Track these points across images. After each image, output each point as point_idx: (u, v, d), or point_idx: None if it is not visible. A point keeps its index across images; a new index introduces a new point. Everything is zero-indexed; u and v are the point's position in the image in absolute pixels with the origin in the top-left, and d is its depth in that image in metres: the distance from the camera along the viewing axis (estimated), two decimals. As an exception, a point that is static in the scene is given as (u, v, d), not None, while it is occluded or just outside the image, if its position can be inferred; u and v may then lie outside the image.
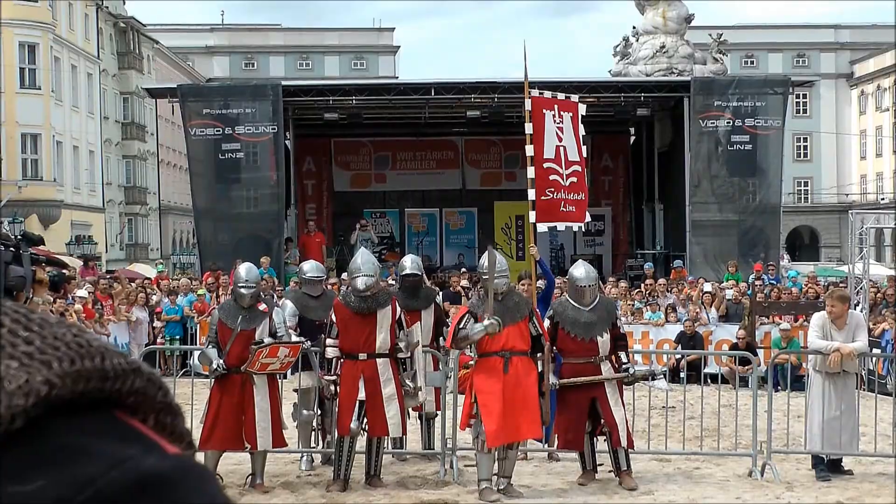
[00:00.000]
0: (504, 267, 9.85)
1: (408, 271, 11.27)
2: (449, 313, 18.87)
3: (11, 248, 5.03)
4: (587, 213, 12.79)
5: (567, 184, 12.03)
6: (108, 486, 0.73)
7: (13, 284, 4.75)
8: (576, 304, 10.16)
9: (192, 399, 10.84)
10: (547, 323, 10.14)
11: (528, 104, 11.95)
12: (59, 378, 0.76)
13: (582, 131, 12.27)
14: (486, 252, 10.07)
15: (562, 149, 12.02)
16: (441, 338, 11.31)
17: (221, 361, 9.69)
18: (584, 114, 12.37)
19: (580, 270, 10.42)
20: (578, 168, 12.17)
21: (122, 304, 19.13)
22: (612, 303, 11.68)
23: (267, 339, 9.73)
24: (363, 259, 10.03)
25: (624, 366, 10.14)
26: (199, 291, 20.48)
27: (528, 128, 11.85)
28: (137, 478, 0.74)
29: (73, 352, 0.78)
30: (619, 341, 10.25)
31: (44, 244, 6.98)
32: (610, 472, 10.01)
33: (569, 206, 12.09)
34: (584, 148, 12.31)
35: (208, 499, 0.77)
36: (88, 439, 0.76)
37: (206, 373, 10.18)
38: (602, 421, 9.93)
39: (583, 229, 14.06)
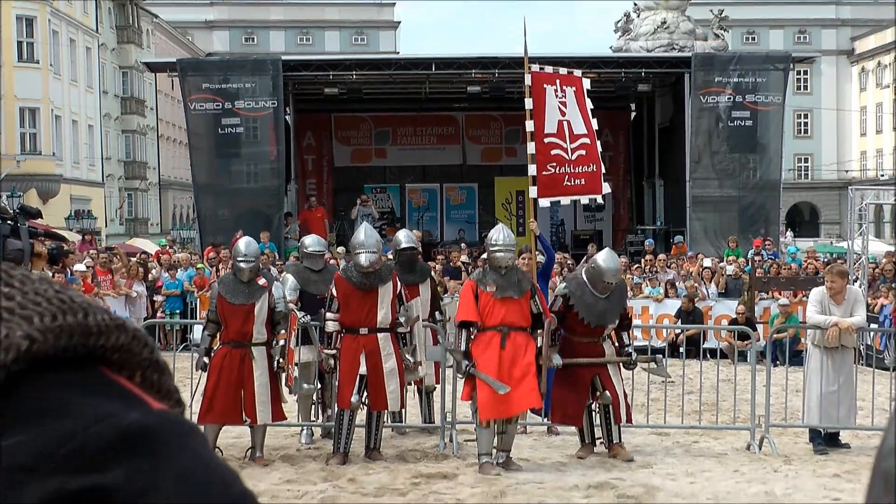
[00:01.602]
0: (511, 241, 9.83)
1: (403, 245, 11.20)
2: (448, 288, 19.01)
3: (10, 222, 5.03)
4: (605, 185, 12.75)
5: (574, 157, 11.99)
6: (90, 441, 0.73)
7: (12, 257, 4.75)
8: (594, 292, 10.05)
9: (192, 372, 10.84)
10: (560, 301, 10.06)
11: (527, 79, 11.91)
12: (41, 333, 0.75)
13: (590, 105, 12.21)
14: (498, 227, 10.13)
15: (565, 123, 11.97)
16: (437, 312, 11.31)
17: (205, 361, 9.92)
18: (588, 88, 12.33)
19: (609, 264, 10.05)
20: (587, 140, 12.11)
21: (122, 279, 19.12)
22: (625, 288, 11.34)
23: (278, 348, 9.88)
24: (366, 234, 9.95)
25: (626, 348, 10.16)
26: (199, 266, 20.48)
27: (528, 103, 11.80)
28: (118, 433, 0.74)
29: (55, 307, 0.77)
30: (623, 321, 10.24)
31: (42, 218, 6.98)
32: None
33: (576, 179, 12.08)
34: (593, 121, 12.24)
35: (191, 453, 0.77)
36: (71, 395, 0.76)
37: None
38: (597, 393, 9.94)
39: (598, 201, 13.99)
